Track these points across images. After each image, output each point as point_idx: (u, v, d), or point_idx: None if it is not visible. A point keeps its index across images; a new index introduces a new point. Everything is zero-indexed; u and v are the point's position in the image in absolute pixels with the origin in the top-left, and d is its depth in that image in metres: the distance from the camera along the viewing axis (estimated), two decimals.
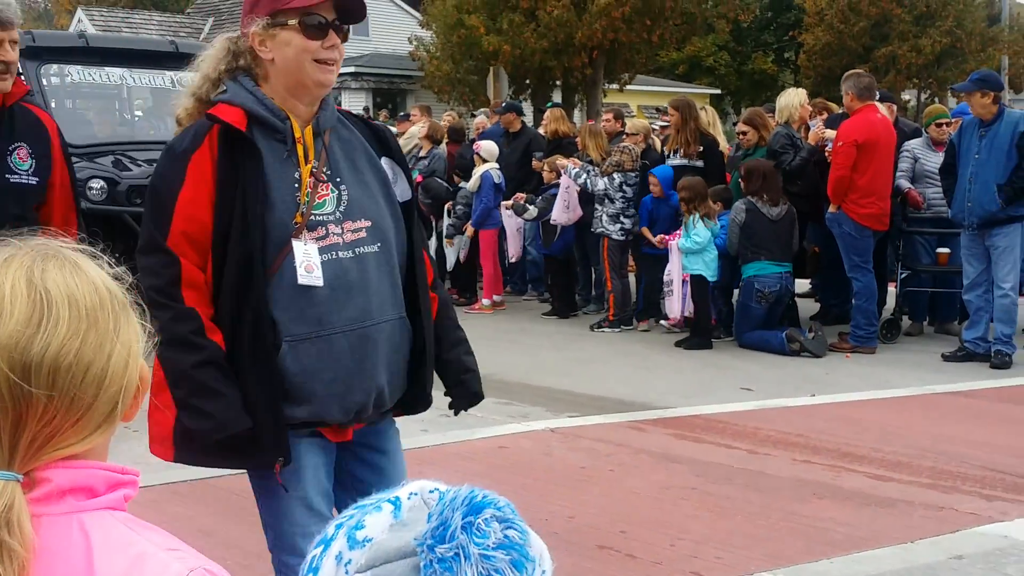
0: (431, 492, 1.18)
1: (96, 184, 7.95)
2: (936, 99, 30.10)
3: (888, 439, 6.06)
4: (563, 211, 9.73)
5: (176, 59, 8.88)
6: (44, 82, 8.42)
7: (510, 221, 10.35)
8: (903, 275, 9.03)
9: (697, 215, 8.55)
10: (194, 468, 5.36)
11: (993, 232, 7.88)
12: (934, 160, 8.67)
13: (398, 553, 1.16)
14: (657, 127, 11.62)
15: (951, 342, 8.58)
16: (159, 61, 9.19)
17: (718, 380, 7.52)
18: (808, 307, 9.94)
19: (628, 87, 26.94)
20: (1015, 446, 5.93)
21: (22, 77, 9.30)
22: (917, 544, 4.49)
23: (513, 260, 10.79)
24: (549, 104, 15.62)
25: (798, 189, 8.70)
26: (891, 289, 9.57)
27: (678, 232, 8.77)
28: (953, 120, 9.20)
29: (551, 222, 9.85)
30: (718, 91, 37.75)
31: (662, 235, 8.99)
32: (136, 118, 10.09)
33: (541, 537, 1.17)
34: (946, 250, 8.86)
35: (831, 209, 8.37)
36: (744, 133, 9.28)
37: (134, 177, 8.11)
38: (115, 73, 9.12)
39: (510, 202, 10.19)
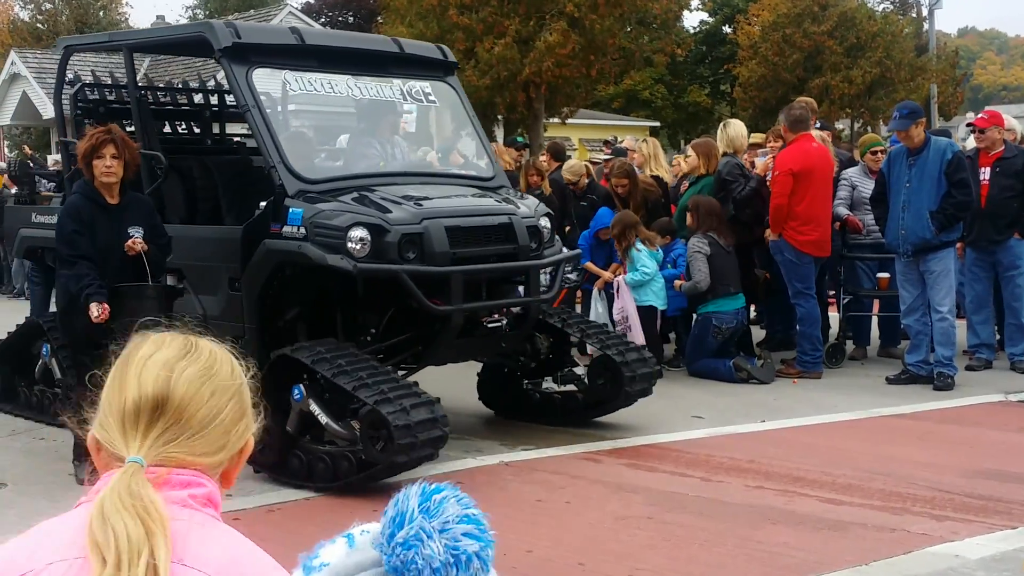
0: (382, 532, 1.23)
1: (357, 234, 5.82)
2: (868, 128, 30.80)
3: (838, 463, 6.14)
4: None
5: (401, 64, 7.15)
6: (258, 95, 6.36)
7: None
8: (845, 300, 9.19)
9: (639, 245, 8.57)
10: None
11: (928, 258, 8.05)
12: (871, 187, 8.84)
13: (357, 567, 1.20)
14: (600, 160, 11.72)
15: (895, 365, 8.73)
16: (383, 66, 7.07)
17: (669, 409, 7.56)
18: (755, 333, 10.05)
19: (569, 121, 27.20)
20: (961, 466, 6.04)
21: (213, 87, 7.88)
22: (872, 566, 4.54)
23: None
24: (519, 140, 15.25)
25: (747, 217, 8.82)
26: (833, 314, 9.75)
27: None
28: (889, 147, 9.41)
29: None
30: (656, 124, 38.25)
31: (614, 266, 9.03)
32: (369, 141, 7.43)
33: (500, 573, 1.19)
34: (886, 275, 9.03)
35: (772, 237, 8.50)
36: (688, 157, 9.36)
37: (404, 223, 5.95)
38: (338, 82, 6.83)
39: None
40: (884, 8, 37.07)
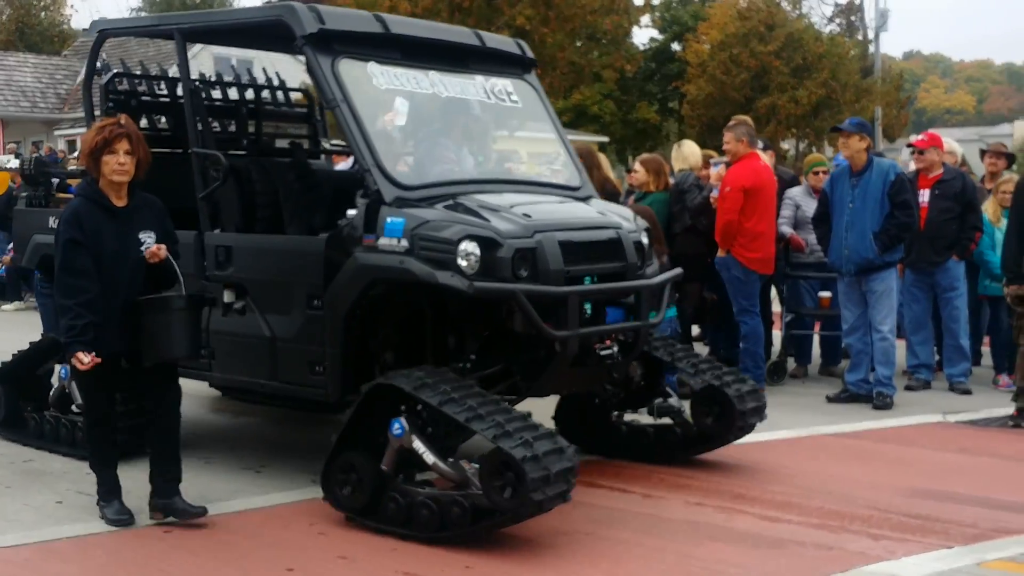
0: None
1: (466, 248, 5.15)
2: (814, 148, 31.22)
3: (777, 480, 6.16)
4: None
5: (481, 58, 6.47)
6: (347, 88, 5.62)
7: None
8: (788, 318, 9.25)
9: None
10: (73, 525, 5.16)
11: (870, 278, 8.14)
12: (814, 207, 8.91)
13: None
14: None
15: (835, 384, 8.81)
16: (464, 60, 6.38)
17: None
18: (698, 351, 10.07)
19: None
20: (899, 485, 6.08)
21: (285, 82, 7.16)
22: None
23: None
24: None
25: (704, 227, 8.83)
26: (775, 332, 9.82)
27: None
28: (832, 167, 9.50)
29: None
30: (604, 139, 38.44)
31: None
32: (456, 144, 6.71)
33: None
34: (828, 294, 9.11)
35: (720, 253, 8.53)
36: (636, 172, 9.36)
37: (517, 236, 5.26)
38: (424, 78, 6.13)
39: None
40: (831, 30, 37.63)
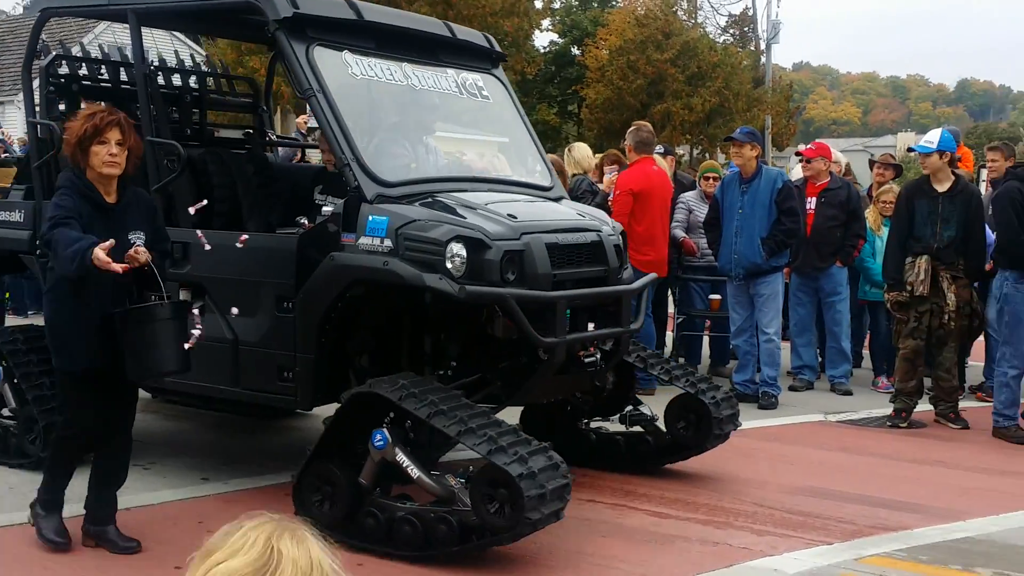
0: None
1: (453, 250, 4.90)
2: (707, 154, 31.82)
3: (666, 477, 6.29)
4: None
5: (452, 51, 6.21)
6: (323, 77, 5.32)
7: None
8: (679, 320, 9.45)
9: None
10: None
11: (757, 282, 8.38)
12: (706, 211, 9.13)
13: None
14: None
15: (723, 384, 8.97)
16: (434, 52, 6.09)
17: None
18: None
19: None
20: (782, 483, 6.27)
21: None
22: None
23: None
24: None
25: None
26: (667, 333, 10.01)
27: None
28: (723, 173, 9.74)
29: None
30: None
31: None
32: (428, 140, 6.41)
33: None
34: (717, 296, 9.34)
35: None
36: None
37: (505, 238, 5.01)
38: (398, 69, 5.82)
39: None
40: (725, 40, 38.41)
